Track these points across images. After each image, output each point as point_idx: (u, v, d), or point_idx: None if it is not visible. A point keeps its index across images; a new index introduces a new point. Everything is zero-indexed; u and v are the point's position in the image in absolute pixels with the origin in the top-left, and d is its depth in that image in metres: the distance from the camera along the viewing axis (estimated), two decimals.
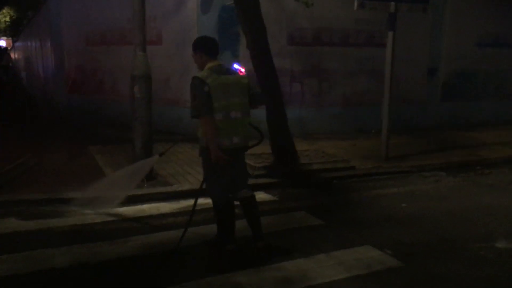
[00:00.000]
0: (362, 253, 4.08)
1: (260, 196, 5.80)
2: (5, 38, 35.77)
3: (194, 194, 5.60)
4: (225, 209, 4.03)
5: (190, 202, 5.37)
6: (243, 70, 3.95)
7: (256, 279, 3.58)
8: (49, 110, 12.22)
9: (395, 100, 7.69)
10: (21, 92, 17.11)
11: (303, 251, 4.09)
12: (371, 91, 9.99)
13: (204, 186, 4.19)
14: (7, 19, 30.88)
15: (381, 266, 3.84)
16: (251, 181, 6.13)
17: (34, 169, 6.45)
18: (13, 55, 28.18)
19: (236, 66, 3.96)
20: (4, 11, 30.61)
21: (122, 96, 9.05)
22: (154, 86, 6.10)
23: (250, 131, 4.00)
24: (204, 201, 5.45)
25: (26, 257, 3.83)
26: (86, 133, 8.83)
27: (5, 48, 26.57)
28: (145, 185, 5.80)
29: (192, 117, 3.84)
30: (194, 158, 7.26)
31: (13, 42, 32.29)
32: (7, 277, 3.53)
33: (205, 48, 3.94)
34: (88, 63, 10.82)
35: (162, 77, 8.52)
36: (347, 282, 3.57)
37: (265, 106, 6.65)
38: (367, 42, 9.91)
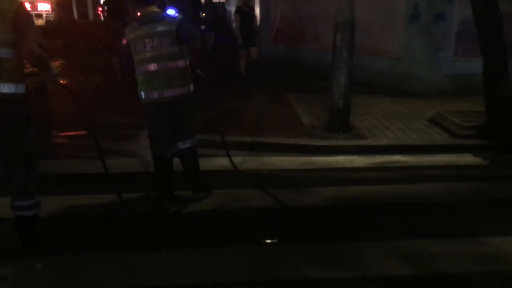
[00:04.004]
0: None
1: (467, 159, 5.20)
2: None
3: (391, 149, 5.38)
4: (159, 163, 3.85)
5: (387, 158, 5.18)
6: (177, 15, 3.62)
7: (454, 251, 3.21)
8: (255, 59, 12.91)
9: None
10: (231, 41, 18.40)
11: None
12: None
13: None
14: None
15: None
16: (456, 141, 5.59)
17: (239, 113, 6.91)
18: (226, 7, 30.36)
19: (170, 11, 3.57)
20: None
21: (323, 45, 8.97)
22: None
23: (187, 78, 3.72)
24: (402, 159, 5.16)
25: (228, 194, 4.13)
26: (286, 81, 9.10)
27: (221, 3, 28.70)
28: (340, 137, 5.70)
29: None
30: (391, 112, 6.89)
31: None
32: (211, 210, 3.86)
33: None
34: (292, 12, 10.99)
35: (363, 26, 8.09)
36: None
37: (482, 56, 5.81)
38: None
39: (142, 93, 3.70)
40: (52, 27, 19.54)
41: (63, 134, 5.84)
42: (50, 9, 28.23)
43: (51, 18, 26.44)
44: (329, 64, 5.97)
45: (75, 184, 4.34)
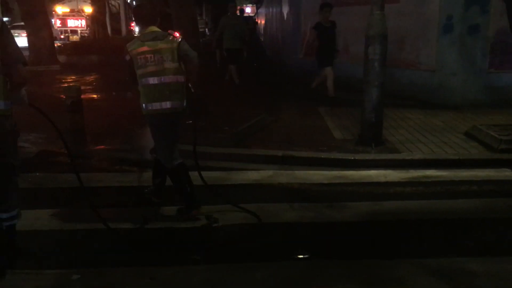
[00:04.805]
0: None
1: (506, 174, 5.03)
2: (250, 5, 39.29)
3: (425, 164, 5.25)
4: (181, 171, 3.97)
5: (421, 172, 5.07)
6: (177, 34, 3.84)
7: (495, 269, 3.10)
8: (284, 73, 12.94)
9: None
10: (261, 55, 18.51)
11: None
12: None
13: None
14: None
15: None
16: (494, 155, 5.43)
17: (269, 127, 6.90)
18: (257, 20, 30.59)
19: (170, 31, 3.82)
20: None
21: (354, 58, 8.91)
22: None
23: (183, 93, 3.90)
24: (436, 173, 5.04)
25: (260, 208, 4.07)
26: (316, 95, 9.05)
27: (251, 17, 29.01)
28: (372, 151, 5.61)
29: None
30: (425, 126, 6.75)
31: (257, 8, 35.18)
32: (242, 224, 3.84)
33: (136, 17, 4.07)
34: None
35: (395, 38, 8.02)
36: None
37: None
38: None
39: (143, 105, 3.88)
40: (86, 43, 20.10)
41: (98, 147, 5.95)
42: (84, 26, 29.05)
43: (86, 34, 27.24)
44: (360, 77, 5.92)
45: (108, 196, 4.41)
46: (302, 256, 3.33)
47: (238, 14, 13.49)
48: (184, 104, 3.95)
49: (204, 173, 4.82)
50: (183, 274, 3.08)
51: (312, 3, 11.33)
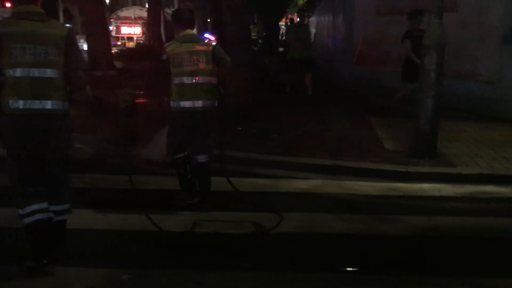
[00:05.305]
0: None
1: None
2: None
3: (482, 179, 5.01)
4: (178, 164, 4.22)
5: (478, 188, 4.86)
6: (213, 38, 3.75)
7: None
8: (334, 81, 12.80)
9: None
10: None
11: None
12: None
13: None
14: None
15: None
16: None
17: (318, 136, 6.82)
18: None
19: (206, 35, 3.77)
20: None
21: None
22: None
23: (215, 94, 4.16)
24: (495, 189, 4.81)
25: (307, 218, 4.05)
26: (368, 104, 8.88)
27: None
28: (426, 163, 5.41)
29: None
30: (482, 139, 6.46)
31: (308, 17, 35.14)
32: (288, 233, 3.78)
33: (175, 20, 4.27)
34: (376, 34, 10.78)
35: (452, 47, 7.73)
36: None
37: None
38: None
39: (173, 102, 4.14)
40: (141, 50, 20.72)
41: (149, 151, 6.06)
42: (140, 33, 30.02)
43: (141, 41, 28.11)
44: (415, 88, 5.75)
45: (157, 199, 4.48)
46: (350, 269, 3.24)
47: (289, 23, 13.54)
48: (216, 104, 4.20)
49: (251, 180, 4.83)
50: (229, 281, 3.06)
51: (366, 11, 11.21)
